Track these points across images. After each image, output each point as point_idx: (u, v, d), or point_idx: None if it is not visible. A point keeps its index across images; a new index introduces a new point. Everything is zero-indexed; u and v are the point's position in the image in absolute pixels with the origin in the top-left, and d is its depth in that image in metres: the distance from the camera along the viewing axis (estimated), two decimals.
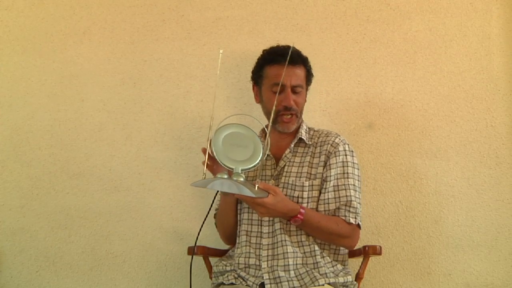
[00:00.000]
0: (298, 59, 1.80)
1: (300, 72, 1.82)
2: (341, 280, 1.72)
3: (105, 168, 2.28)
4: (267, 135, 1.63)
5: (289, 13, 2.29)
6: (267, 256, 1.73)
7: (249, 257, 1.75)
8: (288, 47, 1.82)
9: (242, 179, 1.55)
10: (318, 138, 1.85)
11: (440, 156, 2.18)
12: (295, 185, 1.77)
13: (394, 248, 2.15)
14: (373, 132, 2.21)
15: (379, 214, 2.17)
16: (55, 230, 2.27)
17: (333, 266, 1.74)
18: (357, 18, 2.26)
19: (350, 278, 1.75)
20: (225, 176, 1.56)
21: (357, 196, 1.76)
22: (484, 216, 2.14)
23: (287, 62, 1.67)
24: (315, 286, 1.66)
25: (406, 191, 2.17)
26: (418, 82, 2.22)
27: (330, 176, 1.76)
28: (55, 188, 2.29)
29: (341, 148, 1.79)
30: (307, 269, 1.70)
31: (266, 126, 1.87)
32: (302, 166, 1.80)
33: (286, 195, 1.73)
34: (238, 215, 1.84)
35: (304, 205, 1.73)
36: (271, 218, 1.75)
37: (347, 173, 1.77)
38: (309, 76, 1.88)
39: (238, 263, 1.76)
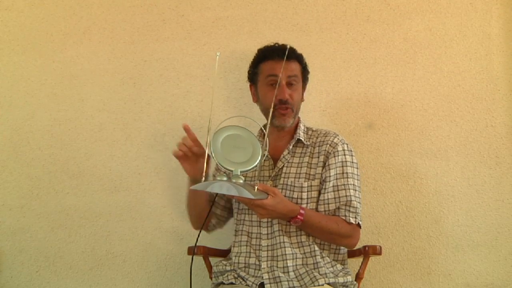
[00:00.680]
0: (291, 54, 1.81)
1: (294, 66, 1.83)
2: (341, 280, 1.72)
3: (105, 168, 2.28)
4: (266, 135, 1.63)
5: (289, 13, 2.29)
6: (267, 257, 1.73)
7: (249, 257, 1.75)
8: (283, 45, 1.84)
9: (241, 181, 1.54)
10: (317, 138, 1.84)
11: (440, 156, 2.18)
12: (294, 186, 1.76)
13: (394, 248, 2.15)
14: (373, 132, 2.21)
15: (379, 214, 2.17)
16: (55, 230, 2.27)
17: (332, 267, 1.74)
18: (357, 18, 2.26)
19: (350, 278, 1.75)
20: (224, 179, 1.55)
21: (356, 195, 1.75)
22: (484, 216, 2.14)
23: (284, 60, 1.69)
24: (314, 286, 1.66)
25: (406, 191, 2.17)
26: (418, 82, 2.22)
27: (330, 176, 1.75)
28: (55, 188, 2.29)
29: (340, 148, 1.79)
30: (307, 269, 1.70)
31: (264, 126, 1.87)
32: (301, 167, 1.80)
33: (285, 196, 1.73)
34: (236, 214, 1.84)
35: (304, 206, 1.73)
36: (269, 220, 1.75)
37: (347, 172, 1.76)
38: (304, 72, 1.88)
39: (238, 263, 1.77)
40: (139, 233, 2.25)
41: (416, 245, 2.15)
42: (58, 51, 2.35)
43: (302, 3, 2.29)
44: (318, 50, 2.25)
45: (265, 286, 1.68)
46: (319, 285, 1.66)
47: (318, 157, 1.79)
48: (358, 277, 1.84)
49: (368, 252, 1.85)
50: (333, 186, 1.75)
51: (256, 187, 1.55)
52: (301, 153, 1.83)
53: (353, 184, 1.76)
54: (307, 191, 1.75)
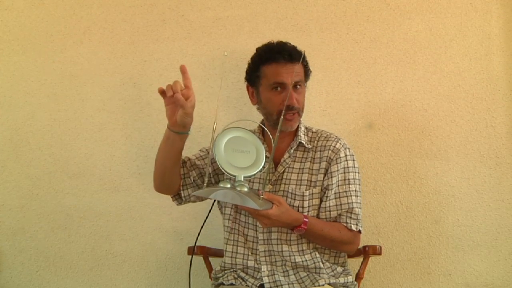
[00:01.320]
0: (296, 56, 1.73)
1: (299, 68, 1.75)
2: (341, 280, 1.72)
3: (105, 168, 2.28)
4: (272, 141, 1.56)
5: (289, 13, 2.29)
6: (266, 261, 1.72)
7: (247, 260, 1.74)
8: (281, 43, 1.79)
9: (246, 189, 1.50)
10: (318, 141, 1.79)
11: (440, 156, 2.17)
12: (295, 194, 1.73)
13: (394, 248, 2.15)
14: (373, 132, 2.21)
15: (379, 214, 2.17)
16: (55, 230, 2.27)
17: (333, 270, 1.74)
18: (357, 18, 2.26)
19: (350, 279, 1.75)
20: (228, 185, 1.51)
21: (358, 201, 1.73)
22: (484, 216, 2.14)
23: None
24: (315, 286, 1.66)
25: (406, 191, 2.17)
26: (418, 82, 2.22)
27: (332, 184, 1.72)
28: (55, 188, 2.29)
29: (342, 154, 1.75)
30: (308, 273, 1.70)
31: (262, 122, 1.85)
32: (302, 173, 1.75)
33: None
34: (231, 210, 1.80)
35: (305, 213, 1.70)
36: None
37: (348, 179, 1.74)
38: (307, 71, 1.82)
39: (236, 264, 1.76)
40: (139, 233, 2.25)
41: (416, 245, 2.15)
42: (58, 51, 2.35)
43: (302, 3, 2.29)
44: (318, 50, 2.25)
45: None
46: (319, 286, 1.66)
47: (320, 163, 1.75)
48: (358, 277, 1.84)
49: (368, 252, 1.85)
50: (335, 193, 1.72)
51: (261, 196, 1.51)
52: (302, 157, 1.78)
53: (355, 190, 1.74)
54: (309, 199, 1.73)
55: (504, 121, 2.17)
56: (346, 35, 2.26)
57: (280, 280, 1.67)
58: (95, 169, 2.28)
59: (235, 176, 1.55)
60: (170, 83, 1.57)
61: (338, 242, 1.70)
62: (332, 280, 1.70)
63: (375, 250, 1.85)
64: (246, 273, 1.74)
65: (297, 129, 1.81)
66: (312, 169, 1.76)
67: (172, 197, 1.84)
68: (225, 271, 1.78)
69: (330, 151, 1.75)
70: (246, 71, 1.85)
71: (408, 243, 2.15)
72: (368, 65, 2.23)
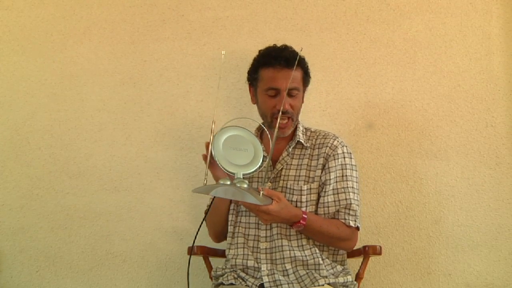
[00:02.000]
0: (293, 61, 1.71)
1: (296, 74, 1.75)
2: (341, 280, 1.72)
3: (105, 168, 2.28)
4: (270, 140, 1.59)
5: (289, 13, 2.29)
6: (266, 259, 1.73)
7: (247, 259, 1.75)
8: (285, 47, 1.80)
9: (245, 186, 1.51)
10: (316, 139, 1.83)
11: (440, 156, 2.17)
12: (293, 189, 1.75)
13: (394, 248, 2.15)
14: (373, 132, 2.21)
15: (379, 214, 2.17)
16: (55, 230, 2.27)
17: (332, 268, 1.74)
18: (357, 18, 2.26)
19: (350, 278, 1.75)
20: (228, 182, 1.52)
21: (356, 198, 1.75)
22: (484, 216, 2.14)
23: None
24: (315, 286, 1.66)
25: (406, 191, 2.17)
26: (418, 82, 2.22)
27: (330, 179, 1.75)
28: (55, 188, 2.29)
29: (339, 151, 1.77)
30: (307, 271, 1.70)
31: (263, 124, 1.87)
32: (300, 169, 1.78)
33: None
34: (232, 216, 1.82)
35: (303, 209, 1.72)
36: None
37: (346, 175, 1.76)
38: (306, 77, 1.83)
39: (236, 265, 1.76)
40: (139, 233, 2.25)
41: (416, 245, 2.15)
42: (58, 51, 2.35)
43: (302, 3, 2.29)
44: (318, 50, 2.25)
45: None
46: (319, 286, 1.66)
47: (318, 159, 1.78)
48: (358, 277, 1.84)
49: (368, 252, 1.85)
50: (333, 189, 1.74)
51: (261, 192, 1.53)
52: (300, 154, 1.82)
53: (352, 187, 1.75)
54: (307, 194, 1.75)
55: (504, 121, 2.17)
56: (346, 35, 2.26)
57: (280, 280, 1.68)
58: (95, 169, 2.28)
59: (234, 173, 1.56)
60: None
61: (337, 238, 1.71)
62: (332, 280, 1.70)
63: (375, 250, 1.85)
64: (246, 273, 1.74)
65: (295, 129, 1.84)
66: (310, 166, 1.78)
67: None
68: (225, 270, 1.79)
69: (327, 148, 1.78)
70: (248, 71, 1.87)
71: (408, 243, 2.15)
72: (368, 65, 2.24)
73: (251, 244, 1.76)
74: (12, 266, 2.26)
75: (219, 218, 1.84)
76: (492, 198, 2.14)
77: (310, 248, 1.72)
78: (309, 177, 1.77)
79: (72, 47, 2.35)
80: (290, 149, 1.81)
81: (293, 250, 1.71)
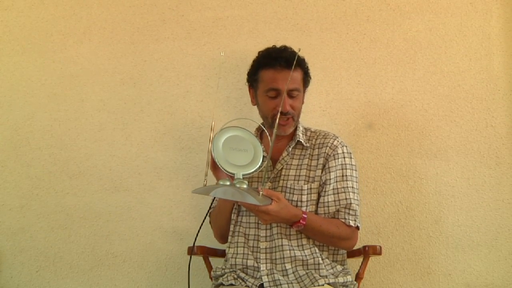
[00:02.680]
0: (293, 62, 1.70)
1: (296, 75, 1.76)
2: (340, 280, 1.72)
3: (105, 168, 2.28)
4: (270, 141, 1.58)
5: (289, 13, 2.29)
6: (266, 259, 1.73)
7: (247, 259, 1.75)
8: (284, 47, 1.80)
9: (245, 186, 1.51)
10: (316, 139, 1.83)
11: (440, 156, 2.18)
12: (294, 188, 1.75)
13: (394, 248, 2.15)
14: (373, 132, 2.21)
15: (379, 214, 2.17)
16: (55, 230, 2.27)
17: (332, 268, 1.74)
18: (357, 18, 2.26)
19: (349, 278, 1.75)
20: (227, 183, 1.52)
21: (355, 198, 1.75)
22: (484, 216, 2.14)
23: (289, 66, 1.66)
24: (314, 286, 1.66)
25: (406, 191, 2.17)
26: (418, 82, 2.22)
27: (330, 179, 1.75)
28: (55, 188, 2.29)
29: (339, 151, 1.78)
30: (307, 271, 1.70)
31: (262, 124, 1.87)
32: (300, 169, 1.78)
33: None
34: (234, 215, 1.82)
35: (303, 208, 1.72)
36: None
37: (346, 175, 1.76)
38: (306, 78, 1.83)
39: (236, 264, 1.76)
40: (139, 233, 2.25)
41: (416, 245, 2.15)
42: (58, 51, 2.35)
43: (302, 3, 2.29)
44: (318, 50, 2.25)
45: None
46: (319, 286, 1.66)
47: (318, 159, 1.78)
48: (358, 277, 1.84)
49: (368, 252, 1.85)
50: (333, 189, 1.74)
51: (260, 192, 1.53)
52: (300, 154, 1.82)
53: (352, 187, 1.76)
54: (307, 194, 1.75)
55: (504, 121, 2.17)
56: (346, 35, 2.26)
57: (279, 279, 1.68)
58: (95, 169, 2.28)
59: (233, 174, 1.56)
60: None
61: (337, 238, 1.71)
62: (332, 280, 1.70)
63: (375, 250, 1.85)
64: (246, 273, 1.74)
65: (295, 129, 1.84)
66: (310, 165, 1.79)
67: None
68: (225, 270, 1.78)
69: (327, 148, 1.78)
70: (248, 73, 1.87)
71: (408, 243, 2.15)
72: (368, 65, 2.24)
73: (251, 244, 1.76)
74: (12, 266, 2.26)
75: (225, 220, 1.84)
76: (492, 198, 2.14)
77: (310, 248, 1.72)
78: (309, 176, 1.77)
79: (72, 47, 2.35)
80: (290, 149, 1.81)
81: (293, 249, 1.71)
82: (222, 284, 1.76)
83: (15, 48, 2.37)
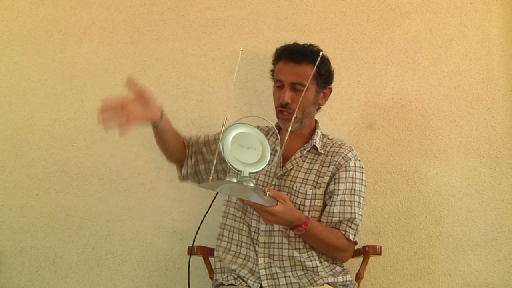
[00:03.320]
0: (300, 56, 1.74)
1: (303, 69, 1.74)
2: (340, 279, 1.72)
3: (105, 168, 2.28)
4: (286, 135, 1.57)
5: (289, 13, 2.29)
6: (264, 253, 1.73)
7: (247, 249, 1.75)
8: (304, 44, 1.81)
9: (252, 185, 1.50)
10: (331, 147, 1.83)
11: (440, 156, 2.17)
12: (299, 191, 1.75)
13: (394, 248, 2.15)
14: (373, 132, 2.21)
15: (379, 214, 2.17)
16: (55, 230, 2.27)
17: (331, 270, 1.74)
18: (357, 18, 2.26)
19: (349, 277, 1.75)
20: (234, 180, 1.51)
21: (360, 213, 1.75)
22: (484, 216, 2.14)
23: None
24: (313, 286, 1.66)
25: (406, 191, 2.17)
26: (418, 82, 2.22)
27: (338, 190, 1.74)
28: (55, 188, 2.29)
29: (352, 164, 1.77)
30: (305, 271, 1.70)
31: (276, 125, 1.87)
32: (310, 173, 1.78)
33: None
34: (227, 208, 1.82)
35: (306, 213, 1.72)
36: None
37: (355, 189, 1.76)
38: (319, 76, 1.77)
39: (236, 263, 1.76)
40: (139, 233, 2.25)
41: (416, 245, 2.15)
42: (58, 51, 2.35)
43: (302, 3, 2.29)
44: None
45: (263, 281, 1.69)
46: (318, 286, 1.66)
47: (328, 167, 1.77)
48: (358, 277, 1.84)
49: (368, 252, 1.85)
50: (340, 200, 1.74)
51: (267, 193, 1.52)
52: (312, 159, 1.81)
53: (359, 202, 1.76)
54: (311, 199, 1.74)
55: (504, 121, 2.17)
56: (346, 35, 2.26)
57: (277, 273, 1.68)
58: (95, 169, 2.28)
59: (240, 171, 1.55)
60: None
61: (334, 248, 1.71)
62: (331, 279, 1.70)
63: (375, 250, 1.85)
64: (247, 270, 1.73)
65: (313, 133, 1.84)
66: (320, 172, 1.78)
67: (177, 167, 1.93)
68: (224, 269, 1.79)
69: (340, 158, 1.78)
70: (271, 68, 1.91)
71: (408, 243, 2.15)
72: (368, 65, 2.24)
73: (251, 236, 1.76)
74: (12, 266, 2.26)
75: (170, 142, 1.82)
76: (492, 198, 2.14)
77: (307, 252, 1.72)
78: (316, 182, 1.77)
79: (72, 47, 2.35)
80: (305, 152, 1.81)
81: (292, 249, 1.71)
82: (222, 284, 1.76)
83: (15, 48, 2.37)
